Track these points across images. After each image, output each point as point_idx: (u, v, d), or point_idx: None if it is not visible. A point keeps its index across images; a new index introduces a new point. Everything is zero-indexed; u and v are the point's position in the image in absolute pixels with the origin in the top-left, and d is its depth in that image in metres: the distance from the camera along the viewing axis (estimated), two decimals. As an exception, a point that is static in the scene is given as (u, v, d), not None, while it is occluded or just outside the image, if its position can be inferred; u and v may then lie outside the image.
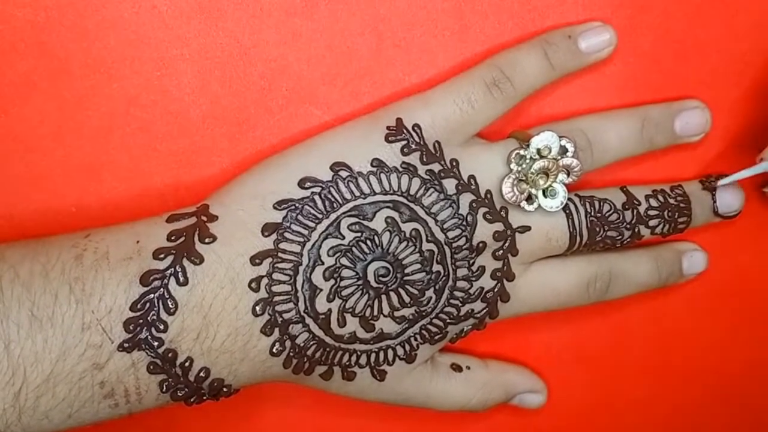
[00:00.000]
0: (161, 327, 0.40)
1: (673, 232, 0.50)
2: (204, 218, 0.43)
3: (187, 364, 0.41)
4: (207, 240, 0.42)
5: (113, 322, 0.40)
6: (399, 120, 0.45)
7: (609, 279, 0.49)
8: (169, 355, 0.41)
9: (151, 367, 0.41)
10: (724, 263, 0.54)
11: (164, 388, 0.41)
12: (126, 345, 0.40)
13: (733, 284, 0.55)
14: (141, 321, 0.40)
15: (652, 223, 0.49)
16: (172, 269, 0.41)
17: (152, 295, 0.40)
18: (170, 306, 0.41)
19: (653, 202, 0.49)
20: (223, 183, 0.45)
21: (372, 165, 0.44)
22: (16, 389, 0.38)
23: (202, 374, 0.42)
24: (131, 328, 0.40)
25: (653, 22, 0.49)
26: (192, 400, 0.43)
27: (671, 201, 0.50)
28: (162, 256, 0.41)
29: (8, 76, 0.43)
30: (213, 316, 0.41)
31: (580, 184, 0.48)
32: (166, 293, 0.41)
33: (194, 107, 0.46)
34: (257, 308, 0.42)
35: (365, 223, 0.44)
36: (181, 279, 0.41)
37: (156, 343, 0.40)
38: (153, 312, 0.40)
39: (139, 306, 0.40)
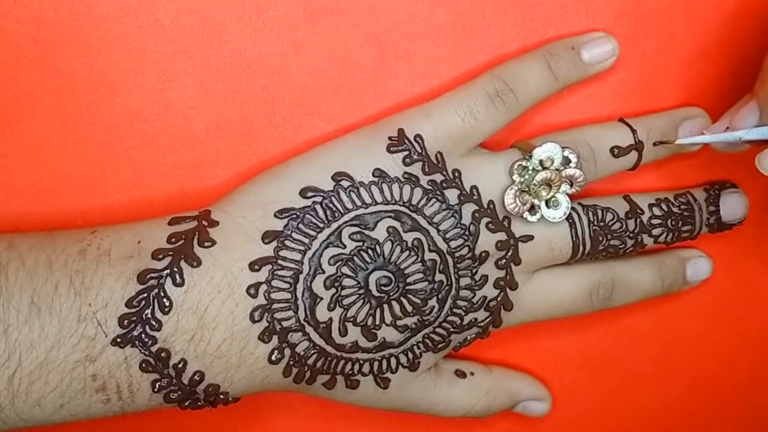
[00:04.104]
0: (155, 325, 0.41)
1: (677, 241, 0.50)
2: (205, 223, 0.43)
3: (180, 365, 0.42)
4: (206, 244, 0.43)
5: (108, 316, 0.41)
6: (401, 130, 0.45)
7: (612, 287, 0.50)
8: (162, 354, 0.41)
9: (144, 365, 0.41)
10: (729, 270, 0.55)
11: (156, 387, 0.42)
12: (119, 340, 0.41)
13: (738, 291, 0.55)
14: (135, 318, 0.41)
15: (655, 231, 0.49)
16: (169, 270, 0.42)
17: (148, 294, 0.41)
18: (165, 305, 0.41)
19: (656, 211, 0.49)
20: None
21: (374, 175, 0.44)
22: (10, 372, 0.39)
23: (196, 377, 0.42)
24: (125, 323, 0.41)
25: (656, 31, 0.49)
26: (186, 404, 0.43)
27: (675, 210, 0.50)
28: (160, 256, 0.42)
29: (13, 92, 0.44)
30: (209, 318, 0.42)
31: (583, 192, 0.47)
32: (161, 292, 0.41)
33: (198, 120, 0.46)
34: (255, 314, 0.43)
35: (366, 232, 0.44)
36: (178, 280, 0.42)
37: (149, 341, 0.41)
38: (148, 310, 0.41)
39: (134, 303, 0.41)
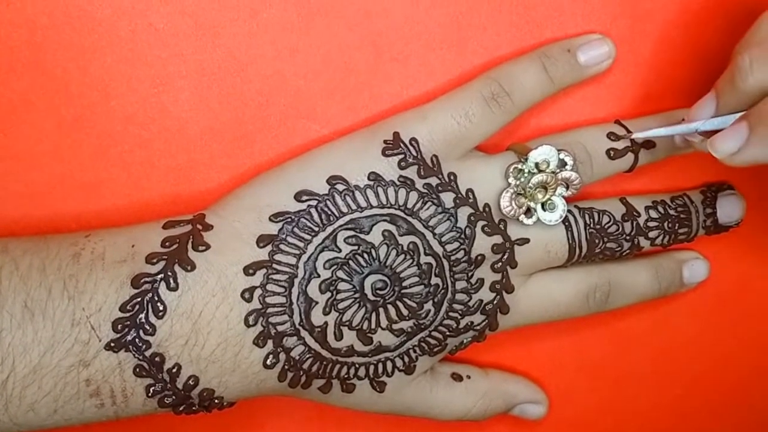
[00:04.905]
0: (149, 329, 0.41)
1: (674, 243, 0.50)
2: (199, 227, 0.43)
3: (174, 370, 0.42)
4: (200, 248, 0.42)
5: (102, 321, 0.40)
6: (396, 134, 0.45)
7: (608, 289, 0.50)
8: (156, 359, 0.41)
9: (137, 369, 0.41)
10: (726, 271, 0.54)
11: (151, 392, 0.42)
12: (113, 344, 0.40)
13: (734, 292, 0.55)
14: (129, 322, 0.41)
15: (651, 234, 0.49)
16: (163, 274, 0.41)
17: (142, 298, 0.41)
18: (159, 309, 0.41)
19: (653, 214, 0.49)
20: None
21: (369, 178, 0.44)
22: (3, 377, 0.39)
23: (190, 382, 0.42)
24: (119, 328, 0.40)
25: (652, 32, 0.49)
26: (181, 409, 0.43)
27: (671, 212, 0.50)
28: (154, 260, 0.42)
29: (6, 96, 0.44)
30: (203, 323, 0.42)
31: (579, 194, 0.47)
32: (155, 297, 0.41)
33: (192, 123, 0.46)
34: (250, 319, 0.42)
35: (362, 236, 0.44)
36: (172, 284, 0.41)
37: (143, 346, 0.41)
38: (141, 314, 0.41)
39: (128, 307, 0.41)
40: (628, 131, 0.48)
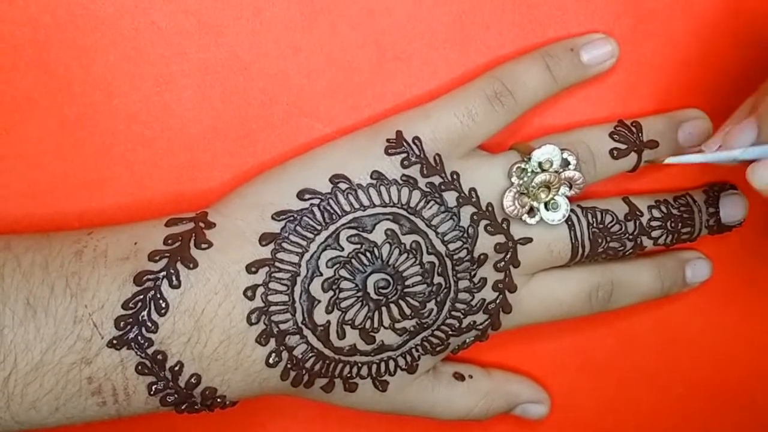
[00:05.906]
0: (151, 327, 0.41)
1: (676, 242, 0.50)
2: (202, 225, 0.43)
3: (176, 368, 0.42)
4: (203, 246, 0.42)
5: (104, 318, 0.40)
6: (399, 132, 0.45)
7: (611, 289, 0.49)
8: (158, 356, 0.41)
9: (140, 367, 0.41)
10: (729, 271, 0.54)
11: (153, 390, 0.42)
12: (115, 342, 0.40)
13: (737, 292, 0.55)
14: (131, 319, 0.41)
15: (654, 234, 0.49)
16: (165, 271, 0.41)
17: (144, 295, 0.41)
18: (161, 306, 0.41)
19: (656, 213, 0.49)
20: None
21: (372, 177, 0.44)
22: (5, 374, 0.39)
23: (192, 380, 0.42)
24: (121, 325, 0.40)
25: (655, 31, 0.49)
26: (183, 407, 0.43)
27: (674, 212, 0.50)
28: (157, 258, 0.42)
29: (9, 94, 0.44)
30: (205, 321, 0.42)
31: (582, 194, 0.47)
32: (158, 294, 0.41)
33: (195, 122, 0.46)
34: (252, 317, 0.42)
35: (365, 235, 0.44)
36: (174, 281, 0.41)
37: (145, 343, 0.41)
38: (144, 312, 0.41)
39: (131, 304, 0.41)
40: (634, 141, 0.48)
